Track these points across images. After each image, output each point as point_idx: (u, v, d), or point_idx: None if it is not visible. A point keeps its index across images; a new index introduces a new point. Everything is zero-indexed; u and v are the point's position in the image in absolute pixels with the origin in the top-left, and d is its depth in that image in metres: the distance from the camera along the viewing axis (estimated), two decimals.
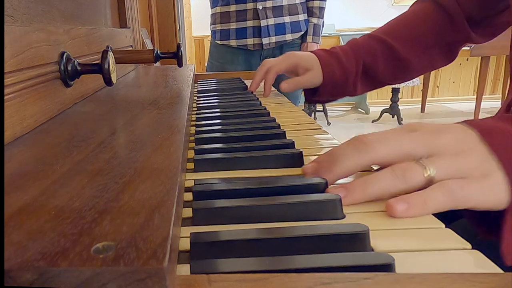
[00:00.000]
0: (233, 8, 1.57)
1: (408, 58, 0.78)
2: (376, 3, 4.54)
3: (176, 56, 0.79)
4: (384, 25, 0.82)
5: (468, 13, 0.73)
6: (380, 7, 4.55)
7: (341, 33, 4.31)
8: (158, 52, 0.78)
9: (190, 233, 0.26)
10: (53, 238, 0.21)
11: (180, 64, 0.81)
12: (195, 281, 0.21)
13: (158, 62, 0.85)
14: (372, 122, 3.86)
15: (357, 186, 0.33)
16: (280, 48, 1.62)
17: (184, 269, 0.24)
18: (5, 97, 0.37)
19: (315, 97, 0.84)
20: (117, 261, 0.18)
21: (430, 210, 0.30)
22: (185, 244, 0.26)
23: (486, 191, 0.31)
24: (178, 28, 1.74)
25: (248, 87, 0.88)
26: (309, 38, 1.62)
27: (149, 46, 1.39)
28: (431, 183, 0.32)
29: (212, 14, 1.66)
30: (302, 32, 1.63)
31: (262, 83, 0.87)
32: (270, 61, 0.84)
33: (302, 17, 1.61)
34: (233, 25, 1.59)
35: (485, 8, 0.72)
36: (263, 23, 1.55)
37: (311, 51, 0.82)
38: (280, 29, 1.58)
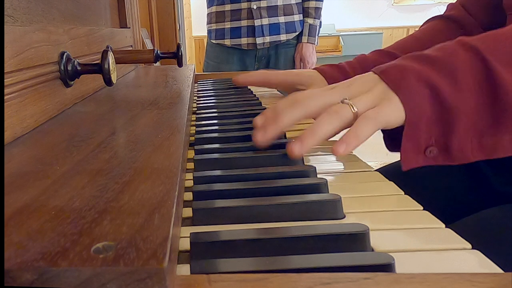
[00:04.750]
0: (227, 7, 1.57)
1: None
2: (376, 3, 4.54)
3: (176, 56, 0.79)
4: (397, 42, 0.80)
5: (481, 22, 0.71)
6: (380, 7, 4.55)
7: (341, 33, 4.31)
8: (158, 52, 0.77)
9: (190, 233, 0.26)
10: (53, 238, 0.21)
11: (180, 64, 0.81)
12: (195, 281, 0.21)
13: (158, 62, 0.85)
14: None
15: (308, 134, 0.40)
16: (275, 48, 1.62)
17: (184, 269, 0.24)
18: (5, 97, 0.37)
19: None
20: (117, 261, 0.18)
21: (363, 138, 0.39)
22: (185, 244, 0.26)
23: (392, 111, 0.40)
24: (178, 28, 1.74)
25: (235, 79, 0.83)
26: (304, 39, 1.62)
27: (149, 46, 1.39)
28: (357, 117, 0.40)
29: (208, 14, 1.66)
30: (297, 33, 1.62)
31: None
32: (271, 72, 0.80)
33: (297, 17, 1.61)
34: (227, 25, 1.59)
35: (494, 11, 0.71)
36: (257, 22, 1.55)
37: (315, 68, 0.78)
38: (274, 29, 1.58)
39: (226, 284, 0.21)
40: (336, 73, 0.76)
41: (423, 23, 0.81)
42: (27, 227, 0.22)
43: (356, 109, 0.40)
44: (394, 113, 0.40)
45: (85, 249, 0.19)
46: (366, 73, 0.45)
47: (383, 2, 4.55)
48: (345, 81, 0.45)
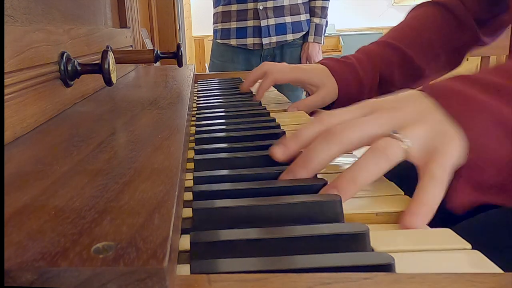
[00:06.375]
0: (234, 7, 1.58)
1: (422, 66, 0.74)
2: (376, 3, 4.54)
3: (176, 56, 0.79)
4: (394, 30, 0.78)
5: (474, 13, 0.71)
6: (380, 7, 4.55)
7: (341, 33, 4.31)
8: (158, 52, 0.77)
9: (190, 233, 0.26)
10: (53, 238, 0.21)
11: (180, 64, 0.81)
12: (195, 281, 0.21)
13: (158, 62, 0.85)
14: None
15: (346, 181, 0.32)
16: (280, 48, 1.62)
17: (184, 269, 0.24)
18: (5, 97, 0.37)
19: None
20: (117, 261, 0.18)
21: (436, 205, 0.31)
22: (185, 244, 0.26)
23: (457, 151, 0.33)
24: (178, 28, 1.74)
25: (240, 85, 0.81)
26: (310, 38, 1.62)
27: (149, 46, 1.39)
28: (408, 155, 0.33)
29: (214, 14, 1.67)
30: (304, 32, 1.62)
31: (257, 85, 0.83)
32: (271, 66, 0.74)
33: (304, 17, 1.61)
34: (233, 25, 1.59)
35: (490, 6, 0.71)
36: (263, 23, 1.55)
37: (321, 62, 0.75)
38: (281, 29, 1.58)
39: (226, 284, 0.21)
40: (346, 73, 0.73)
41: (414, 8, 0.79)
42: (27, 227, 0.22)
43: (407, 144, 0.33)
44: (458, 153, 0.34)
45: (85, 249, 0.19)
46: (416, 93, 0.38)
47: (383, 2, 4.54)
48: (388, 100, 0.38)
